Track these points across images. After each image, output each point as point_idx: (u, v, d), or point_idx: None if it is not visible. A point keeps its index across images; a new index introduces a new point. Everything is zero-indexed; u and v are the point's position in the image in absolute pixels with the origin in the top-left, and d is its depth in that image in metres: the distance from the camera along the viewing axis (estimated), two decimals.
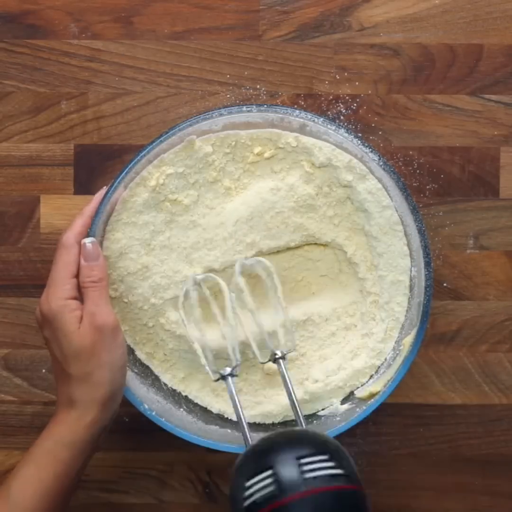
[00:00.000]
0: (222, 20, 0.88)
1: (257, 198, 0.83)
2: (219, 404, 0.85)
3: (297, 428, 0.75)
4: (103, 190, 0.80)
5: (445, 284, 0.89)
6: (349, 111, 0.88)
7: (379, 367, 0.84)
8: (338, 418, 0.82)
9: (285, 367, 0.77)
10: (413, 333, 0.80)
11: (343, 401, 0.84)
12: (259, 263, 0.81)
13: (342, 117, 0.88)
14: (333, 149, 0.82)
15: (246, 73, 0.88)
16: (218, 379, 0.77)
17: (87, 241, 0.78)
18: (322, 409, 0.84)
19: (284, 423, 0.85)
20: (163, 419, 0.80)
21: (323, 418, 0.84)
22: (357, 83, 0.88)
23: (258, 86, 0.88)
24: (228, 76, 0.88)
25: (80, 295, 0.77)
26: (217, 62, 0.88)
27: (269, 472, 0.65)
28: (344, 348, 0.85)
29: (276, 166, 0.83)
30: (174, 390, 0.85)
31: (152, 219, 0.82)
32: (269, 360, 0.78)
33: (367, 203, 0.82)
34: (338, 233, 0.84)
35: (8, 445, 0.90)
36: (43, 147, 0.89)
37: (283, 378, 0.77)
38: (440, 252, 0.88)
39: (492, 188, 0.89)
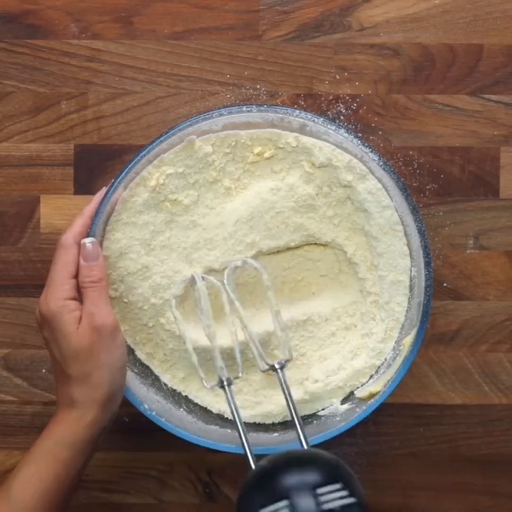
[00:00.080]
0: (222, 20, 0.88)
1: (257, 198, 0.83)
2: (219, 404, 0.85)
3: (307, 450, 0.73)
4: (103, 190, 0.79)
5: (445, 284, 0.89)
6: (349, 111, 0.88)
7: (379, 367, 0.84)
8: (338, 418, 0.82)
9: (283, 379, 0.75)
10: (413, 333, 0.80)
11: (343, 401, 0.84)
12: (246, 264, 0.80)
13: (342, 117, 0.88)
14: (333, 149, 0.82)
15: (246, 73, 0.88)
16: (212, 387, 0.76)
17: (87, 241, 0.77)
18: (322, 409, 0.84)
19: (284, 423, 0.84)
20: (163, 419, 0.80)
21: (323, 418, 0.84)
22: (357, 83, 0.88)
23: (258, 86, 0.88)
24: (228, 76, 0.88)
25: (79, 296, 0.77)
26: (217, 62, 0.88)
27: (285, 502, 0.63)
28: (344, 348, 0.85)
29: (276, 166, 0.83)
30: (174, 390, 0.85)
31: (152, 219, 0.82)
32: (269, 369, 0.77)
33: (367, 203, 0.82)
34: (338, 233, 0.84)
35: (8, 445, 0.90)
36: (43, 147, 0.89)
37: (283, 392, 0.75)
38: (440, 252, 0.88)
39: (492, 188, 0.89)
